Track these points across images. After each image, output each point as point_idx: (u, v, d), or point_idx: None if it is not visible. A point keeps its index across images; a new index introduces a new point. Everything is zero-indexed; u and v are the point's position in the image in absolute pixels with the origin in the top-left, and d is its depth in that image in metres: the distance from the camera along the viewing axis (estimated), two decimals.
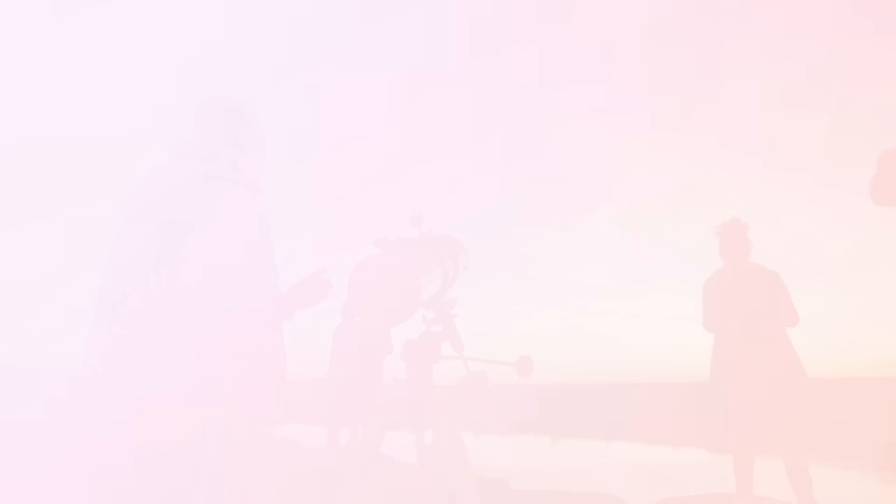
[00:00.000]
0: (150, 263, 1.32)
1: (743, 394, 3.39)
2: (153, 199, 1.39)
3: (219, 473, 1.48)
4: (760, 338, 3.39)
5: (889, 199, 1.98)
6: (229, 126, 1.53)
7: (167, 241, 1.31)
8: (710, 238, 3.78)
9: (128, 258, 1.36)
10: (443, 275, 1.43)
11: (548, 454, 15.58)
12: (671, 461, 13.93)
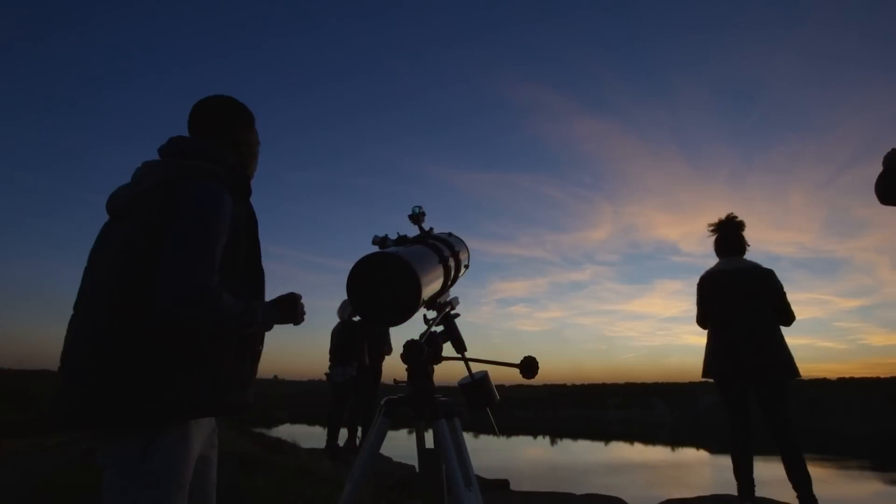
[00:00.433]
0: (135, 260, 1.30)
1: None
2: (138, 197, 1.38)
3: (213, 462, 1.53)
4: (755, 336, 3.37)
5: (895, 198, 1.97)
6: (223, 123, 1.53)
7: (151, 238, 1.30)
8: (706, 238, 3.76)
9: (112, 257, 1.35)
10: (444, 273, 1.42)
11: (548, 454, 15.59)
12: (671, 461, 13.94)
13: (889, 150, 2.01)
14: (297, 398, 30.28)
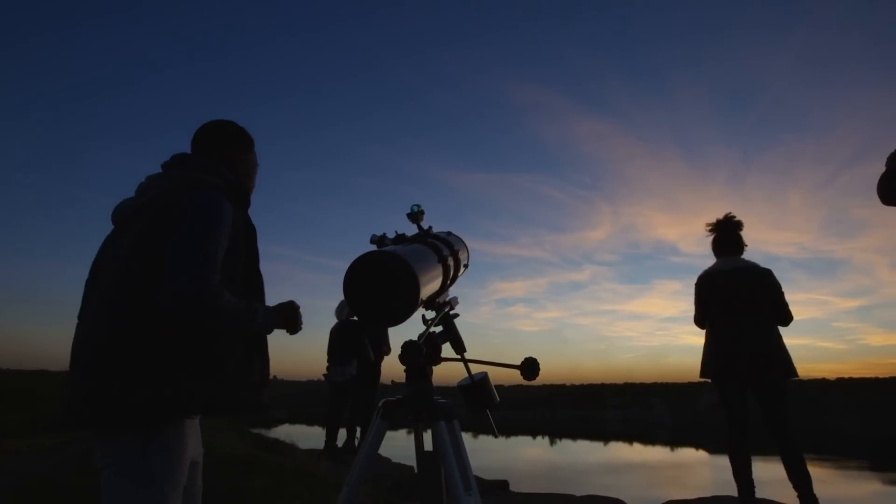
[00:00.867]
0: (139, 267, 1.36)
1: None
2: (144, 205, 1.44)
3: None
4: (753, 336, 3.35)
5: None
6: (223, 144, 1.62)
7: (157, 242, 1.35)
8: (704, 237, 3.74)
9: (118, 262, 1.39)
10: (443, 273, 1.39)
11: (547, 455, 15.57)
12: (671, 461, 13.93)
13: (892, 150, 1.99)
14: (296, 398, 30.24)
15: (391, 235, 1.48)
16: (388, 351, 6.29)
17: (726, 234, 3.64)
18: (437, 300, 1.46)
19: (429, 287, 1.28)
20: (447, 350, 1.42)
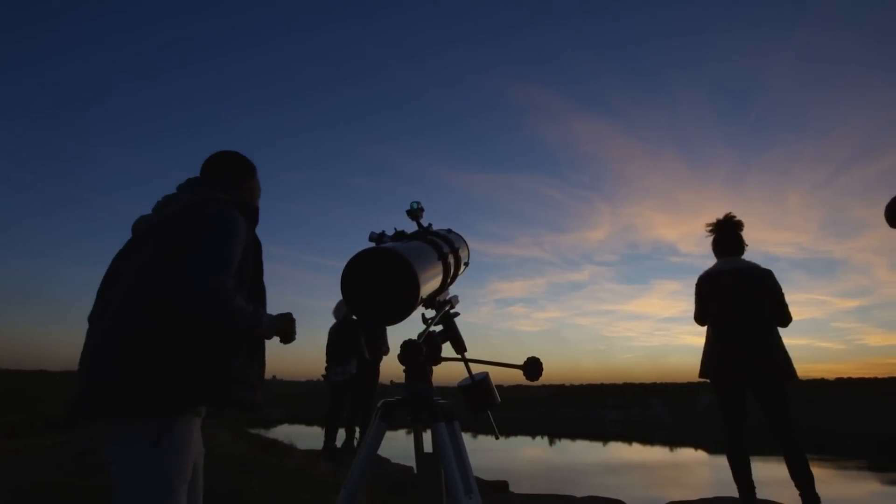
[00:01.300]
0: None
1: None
2: (166, 218, 1.59)
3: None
4: (753, 337, 3.33)
5: None
6: (229, 170, 1.79)
7: (178, 249, 1.48)
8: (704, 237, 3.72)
9: (141, 266, 1.51)
10: (444, 271, 1.36)
11: (547, 455, 15.55)
12: (670, 461, 13.91)
13: None
14: (295, 398, 30.19)
15: (390, 233, 1.45)
16: (387, 350, 6.25)
17: (726, 234, 3.62)
18: (437, 299, 1.43)
19: (429, 285, 1.25)
20: (447, 350, 1.39)
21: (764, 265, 3.51)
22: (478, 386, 1.36)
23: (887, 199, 2.23)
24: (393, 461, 6.07)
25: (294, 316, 1.70)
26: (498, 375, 1.44)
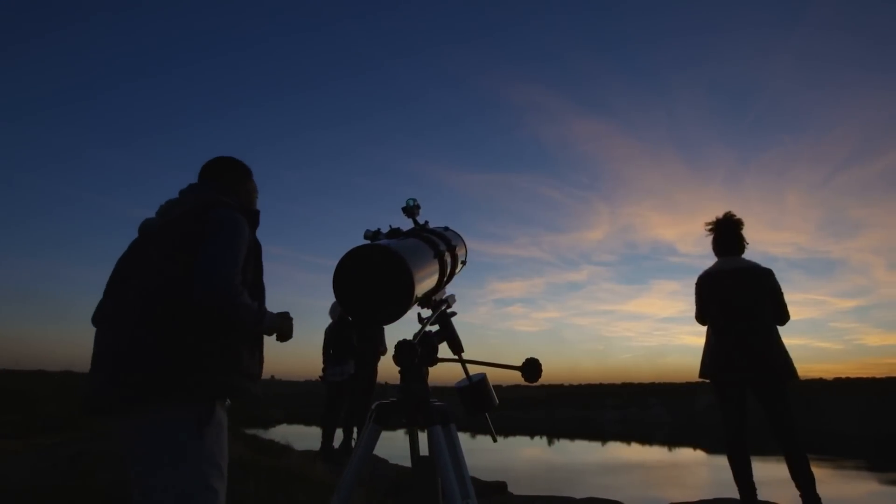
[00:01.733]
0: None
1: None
2: (175, 219, 1.65)
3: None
4: (754, 337, 3.31)
5: None
6: (226, 174, 1.87)
7: (188, 247, 1.55)
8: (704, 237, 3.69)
9: (155, 264, 1.58)
10: (440, 269, 1.33)
11: (545, 455, 15.53)
12: (669, 461, 13.90)
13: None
14: (294, 398, 30.13)
15: (386, 231, 1.41)
16: (384, 350, 6.20)
17: (726, 233, 3.58)
18: (433, 298, 1.39)
19: (424, 283, 1.21)
20: (444, 350, 1.35)
21: (763, 265, 3.48)
22: (475, 387, 1.32)
23: (886, 199, 2.19)
24: (391, 462, 6.02)
25: (291, 315, 1.78)
26: (496, 375, 1.40)
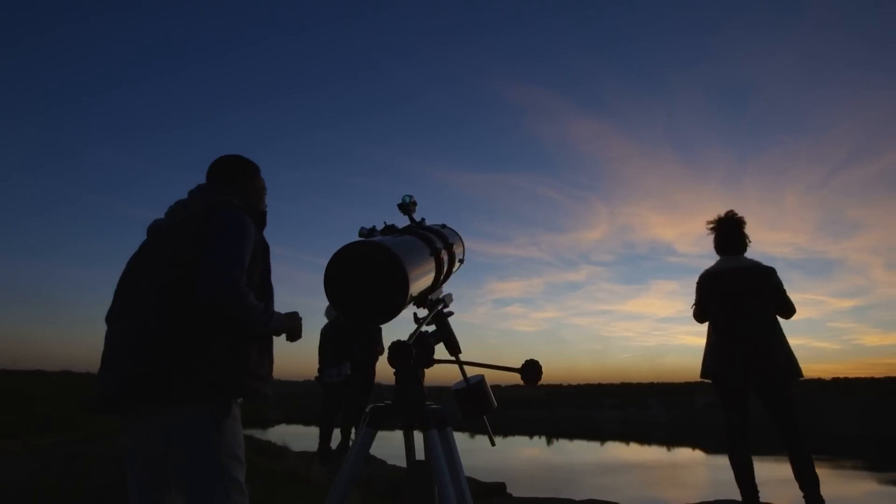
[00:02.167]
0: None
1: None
2: (184, 220, 1.68)
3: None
4: (756, 337, 3.28)
5: None
6: (233, 173, 1.87)
7: (196, 248, 1.57)
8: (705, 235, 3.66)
9: (165, 265, 1.61)
10: (436, 267, 1.29)
11: (544, 455, 15.50)
12: (669, 462, 13.88)
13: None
14: (294, 398, 30.06)
15: (381, 228, 1.38)
16: (381, 350, 6.15)
17: (728, 231, 3.54)
18: (429, 297, 1.35)
19: (420, 282, 1.18)
20: (441, 351, 1.31)
21: (765, 264, 3.45)
22: (473, 390, 1.29)
23: (884, 200, 2.16)
24: (388, 462, 5.98)
25: (300, 315, 1.79)
26: (495, 375, 1.37)
